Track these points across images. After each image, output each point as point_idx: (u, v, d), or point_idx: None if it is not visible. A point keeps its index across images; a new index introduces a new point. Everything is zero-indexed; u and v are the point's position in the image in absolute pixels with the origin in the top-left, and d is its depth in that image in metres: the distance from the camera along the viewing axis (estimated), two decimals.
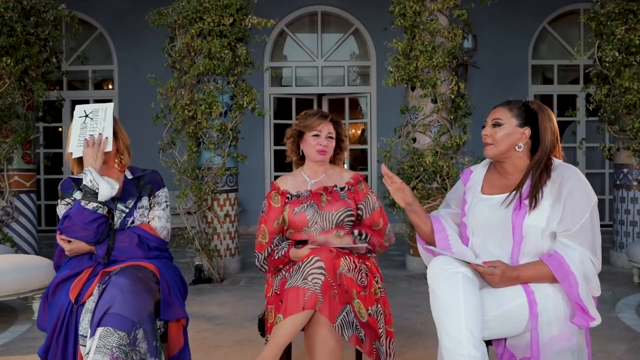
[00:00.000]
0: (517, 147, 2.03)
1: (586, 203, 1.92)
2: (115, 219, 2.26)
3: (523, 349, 1.90)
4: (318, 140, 2.51)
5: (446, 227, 2.11)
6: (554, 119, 2.05)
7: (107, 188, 2.16)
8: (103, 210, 2.17)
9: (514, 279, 1.90)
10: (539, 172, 1.97)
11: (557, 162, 2.02)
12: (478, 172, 2.21)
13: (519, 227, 1.95)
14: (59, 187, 2.32)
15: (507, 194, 2.02)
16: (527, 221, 1.94)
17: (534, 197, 1.94)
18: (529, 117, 2.03)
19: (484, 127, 2.09)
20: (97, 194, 2.15)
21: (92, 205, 2.15)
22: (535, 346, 1.86)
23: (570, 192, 1.91)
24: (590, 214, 1.91)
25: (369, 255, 2.47)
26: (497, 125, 2.04)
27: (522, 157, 2.05)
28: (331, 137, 2.54)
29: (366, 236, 2.45)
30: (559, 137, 2.06)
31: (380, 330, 2.22)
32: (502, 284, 1.90)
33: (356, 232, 2.45)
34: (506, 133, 2.02)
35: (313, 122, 2.53)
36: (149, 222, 2.33)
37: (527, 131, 2.02)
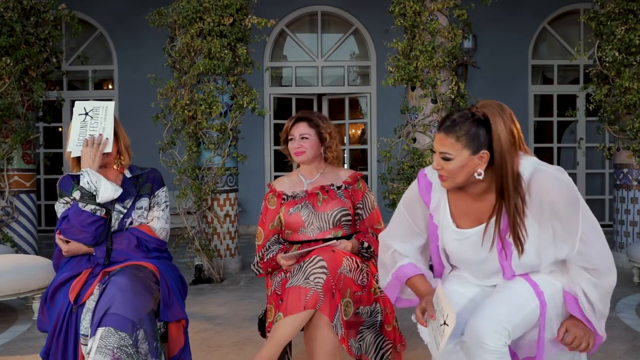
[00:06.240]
0: (476, 175, 1.71)
1: (575, 212, 1.69)
2: (113, 220, 2.22)
3: (526, 348, 1.86)
4: (293, 143, 2.53)
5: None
6: (509, 121, 1.69)
7: (110, 189, 2.14)
8: (101, 212, 2.15)
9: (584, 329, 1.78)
10: (513, 205, 1.68)
11: (528, 171, 1.71)
12: (439, 189, 1.87)
13: (509, 267, 1.80)
14: (57, 185, 2.28)
15: (483, 225, 1.78)
16: (514, 261, 1.78)
17: (518, 240, 1.71)
18: (482, 134, 1.68)
19: (433, 152, 1.79)
20: (94, 196, 2.12)
21: (90, 207, 2.12)
22: (541, 344, 1.83)
23: (553, 207, 1.68)
24: (582, 221, 1.70)
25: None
26: (446, 159, 1.71)
27: (484, 179, 1.74)
28: (305, 137, 2.51)
29: (372, 251, 2.43)
30: (521, 136, 1.74)
31: (361, 327, 2.23)
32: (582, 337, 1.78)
33: (366, 244, 2.42)
34: (459, 166, 1.70)
35: (286, 128, 2.57)
36: (147, 223, 2.30)
37: (485, 155, 1.69)
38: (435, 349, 1.77)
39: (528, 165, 1.73)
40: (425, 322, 1.81)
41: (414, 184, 1.96)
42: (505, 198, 1.69)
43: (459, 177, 1.73)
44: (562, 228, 1.70)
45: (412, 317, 1.90)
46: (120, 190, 2.19)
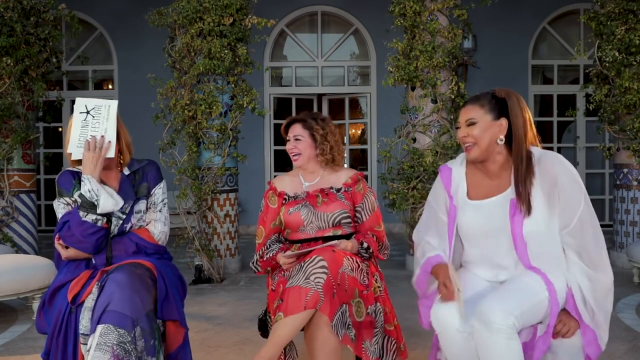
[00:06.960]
0: (498, 141, 1.96)
1: (578, 191, 1.89)
2: (112, 226, 2.17)
3: (525, 334, 1.89)
4: (289, 145, 2.55)
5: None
6: (524, 105, 1.99)
7: (109, 204, 2.07)
8: (102, 222, 2.10)
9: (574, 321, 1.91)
10: (524, 170, 1.91)
11: (537, 152, 1.96)
12: (458, 172, 2.10)
13: (520, 234, 1.90)
14: (56, 181, 2.20)
15: (497, 196, 1.97)
16: (526, 227, 1.89)
17: (527, 202, 1.89)
18: (501, 107, 1.98)
19: (457, 128, 2.03)
20: (95, 205, 2.07)
21: (91, 218, 2.07)
22: (548, 339, 1.87)
23: (562, 184, 1.88)
24: (585, 203, 1.88)
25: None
26: (472, 124, 1.98)
27: (501, 152, 1.98)
28: (298, 139, 2.52)
29: (371, 251, 2.43)
30: (532, 124, 2.00)
31: (375, 330, 2.21)
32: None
33: (365, 244, 2.41)
34: (483, 129, 1.96)
35: (283, 131, 2.60)
36: (146, 226, 2.26)
37: (504, 122, 1.96)
38: (459, 317, 1.88)
39: (536, 150, 1.97)
40: (454, 295, 1.90)
41: (437, 177, 2.17)
42: (518, 164, 1.91)
43: (483, 142, 1.95)
44: (565, 202, 1.88)
45: (437, 299, 1.97)
46: (120, 204, 2.13)
